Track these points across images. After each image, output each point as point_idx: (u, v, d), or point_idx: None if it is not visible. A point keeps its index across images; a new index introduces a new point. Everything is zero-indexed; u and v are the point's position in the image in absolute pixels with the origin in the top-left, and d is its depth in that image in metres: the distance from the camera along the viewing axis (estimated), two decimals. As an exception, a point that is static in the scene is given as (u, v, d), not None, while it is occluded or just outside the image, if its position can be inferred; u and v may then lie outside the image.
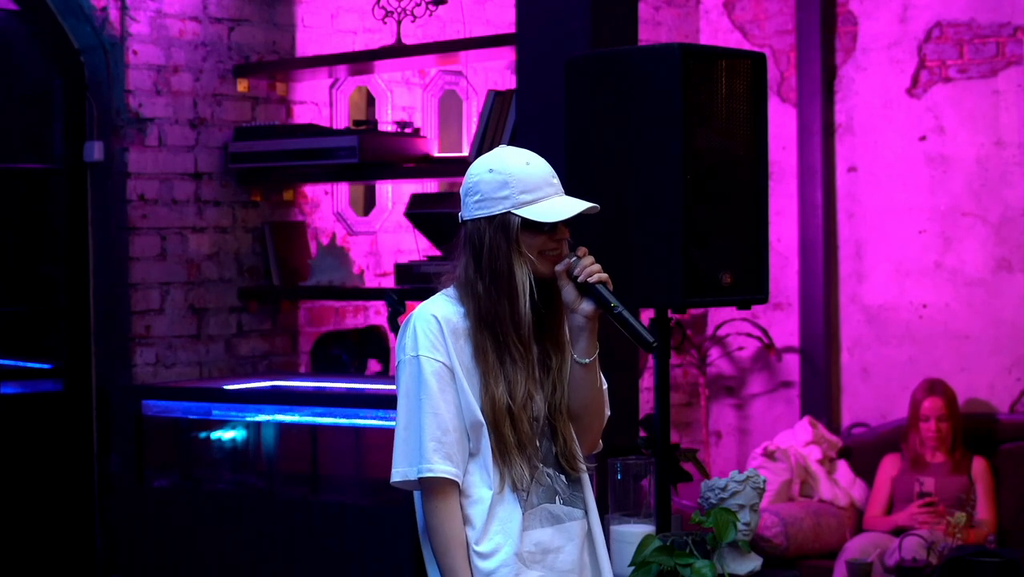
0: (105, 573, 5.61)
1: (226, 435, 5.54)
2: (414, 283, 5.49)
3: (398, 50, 5.74)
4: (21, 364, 5.67)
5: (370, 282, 6.20)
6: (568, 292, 2.98)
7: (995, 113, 6.86)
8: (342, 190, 6.25)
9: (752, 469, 3.52)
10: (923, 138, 7.04)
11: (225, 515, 5.27)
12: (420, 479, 2.90)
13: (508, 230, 2.93)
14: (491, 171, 2.96)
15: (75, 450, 5.60)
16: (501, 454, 2.92)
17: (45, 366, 5.70)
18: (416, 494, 3.00)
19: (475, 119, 5.81)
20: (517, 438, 2.93)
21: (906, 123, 7.08)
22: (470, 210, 2.96)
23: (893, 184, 7.12)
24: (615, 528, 3.67)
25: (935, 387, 6.42)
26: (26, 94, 5.60)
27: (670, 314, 3.67)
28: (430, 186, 6.27)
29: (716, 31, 7.66)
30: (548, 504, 2.98)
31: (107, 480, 5.59)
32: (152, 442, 5.52)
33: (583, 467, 3.05)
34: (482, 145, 5.36)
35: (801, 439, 6.74)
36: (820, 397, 7.18)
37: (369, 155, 5.55)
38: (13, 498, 5.47)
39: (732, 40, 7.54)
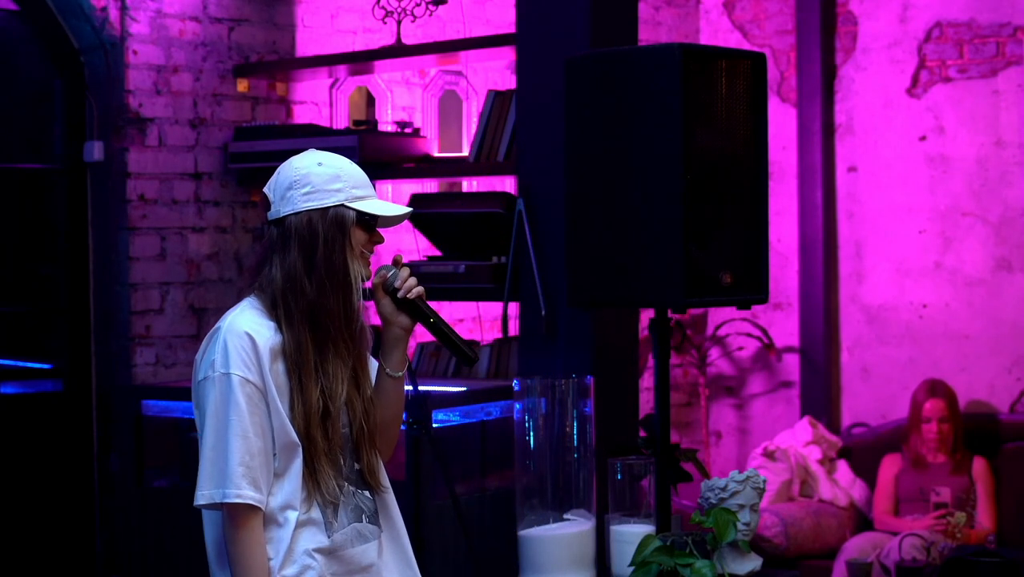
0: (105, 573, 5.61)
1: (226, 435, 5.53)
2: (414, 283, 5.48)
3: (398, 50, 5.74)
4: (21, 364, 5.67)
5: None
6: (385, 305, 2.96)
7: (995, 113, 6.86)
8: (342, 190, 6.24)
9: (752, 469, 3.51)
10: (923, 138, 7.04)
11: (225, 515, 5.25)
12: (225, 504, 2.75)
13: (343, 223, 2.87)
14: (320, 164, 2.88)
15: (75, 450, 5.60)
16: (312, 468, 2.80)
17: (45, 366, 5.69)
18: (205, 515, 2.87)
19: (475, 119, 5.80)
20: (328, 446, 2.81)
21: (906, 123, 7.08)
22: (294, 203, 2.84)
23: (893, 184, 7.12)
24: (615, 528, 3.67)
25: (936, 388, 6.41)
26: (26, 94, 5.59)
27: (670, 314, 3.67)
28: (430, 186, 6.26)
29: (716, 31, 7.66)
30: (356, 523, 2.88)
31: (107, 480, 5.59)
32: (152, 442, 5.52)
33: (387, 484, 2.95)
34: (482, 145, 5.36)
35: (801, 439, 6.74)
36: (820, 397, 7.18)
37: (369, 155, 5.54)
38: (13, 498, 5.47)
39: (732, 40, 7.54)
